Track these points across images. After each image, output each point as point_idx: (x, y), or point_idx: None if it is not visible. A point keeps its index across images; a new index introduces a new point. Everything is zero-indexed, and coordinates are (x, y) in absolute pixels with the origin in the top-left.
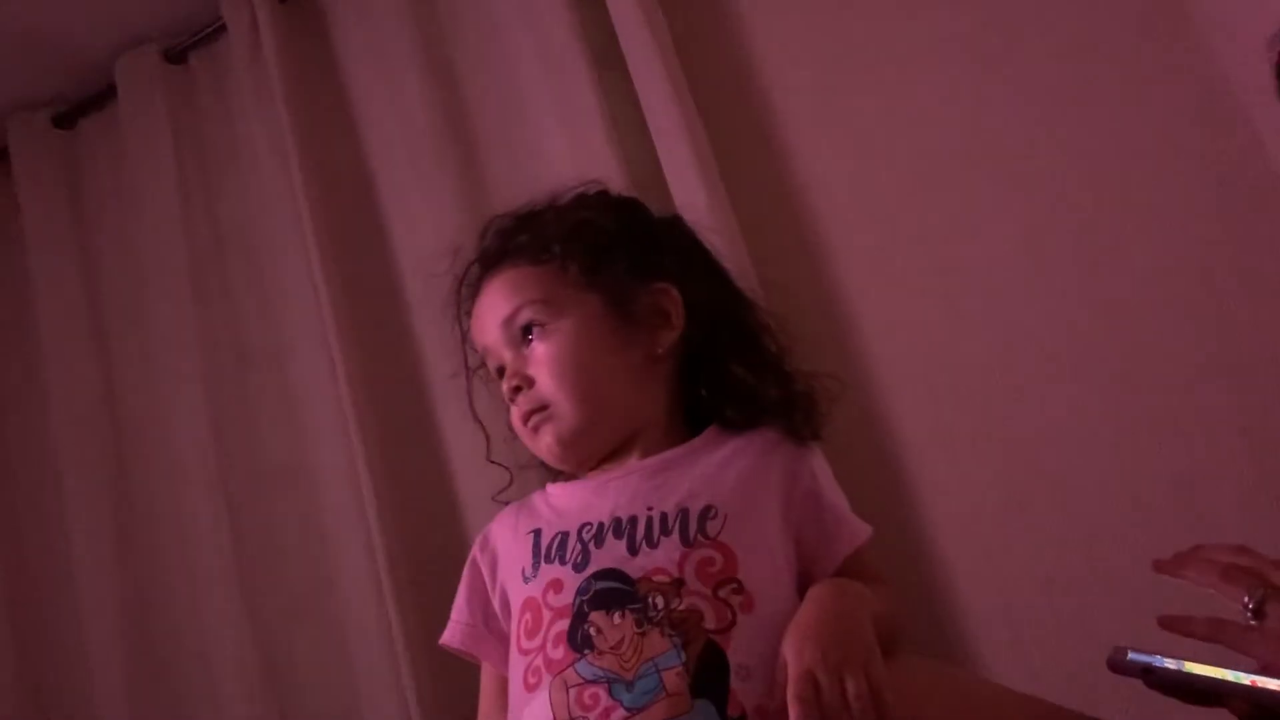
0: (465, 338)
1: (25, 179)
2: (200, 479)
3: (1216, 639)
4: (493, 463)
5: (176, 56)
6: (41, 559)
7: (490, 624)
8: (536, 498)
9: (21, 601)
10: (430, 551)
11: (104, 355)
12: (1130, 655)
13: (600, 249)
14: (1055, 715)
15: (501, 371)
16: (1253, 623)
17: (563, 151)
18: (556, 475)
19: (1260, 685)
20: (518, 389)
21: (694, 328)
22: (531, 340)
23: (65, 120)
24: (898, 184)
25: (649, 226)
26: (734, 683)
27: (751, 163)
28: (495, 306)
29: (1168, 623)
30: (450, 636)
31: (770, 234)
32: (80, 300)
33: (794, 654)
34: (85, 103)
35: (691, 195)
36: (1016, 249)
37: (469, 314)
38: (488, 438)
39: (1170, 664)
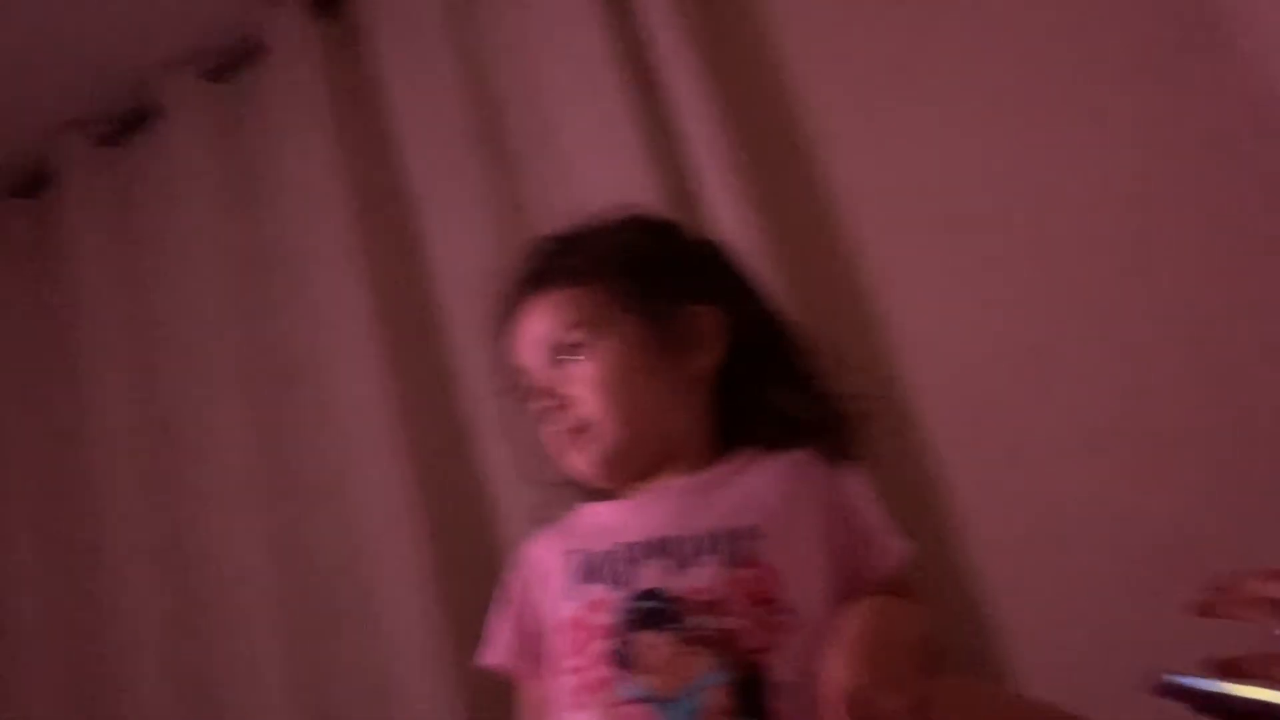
0: (504, 357)
1: (71, 198)
2: (243, 495)
3: (1267, 675)
4: (530, 482)
5: (220, 76)
6: (86, 576)
7: (528, 644)
8: (574, 517)
9: (66, 620)
10: (469, 570)
11: (149, 374)
12: (1173, 679)
13: (642, 272)
14: None
15: (540, 391)
16: None
17: (599, 174)
18: (593, 495)
19: None
20: (558, 408)
21: (733, 350)
22: (572, 361)
23: (111, 140)
24: (935, 206)
25: (689, 249)
26: (774, 702)
27: (788, 185)
28: (536, 327)
29: (1218, 666)
30: (488, 656)
31: (806, 256)
32: (125, 319)
33: (836, 672)
34: (130, 122)
35: (727, 217)
36: (1056, 268)
37: (509, 334)
38: (526, 457)
39: (1214, 687)
